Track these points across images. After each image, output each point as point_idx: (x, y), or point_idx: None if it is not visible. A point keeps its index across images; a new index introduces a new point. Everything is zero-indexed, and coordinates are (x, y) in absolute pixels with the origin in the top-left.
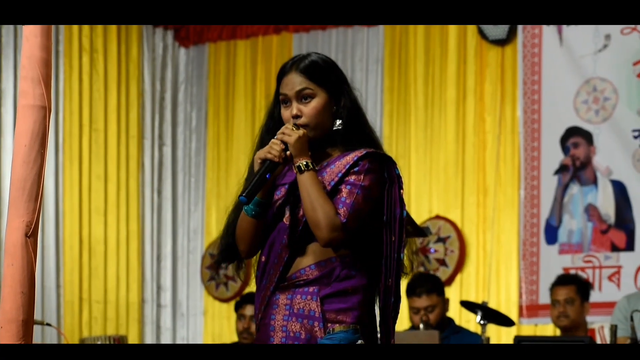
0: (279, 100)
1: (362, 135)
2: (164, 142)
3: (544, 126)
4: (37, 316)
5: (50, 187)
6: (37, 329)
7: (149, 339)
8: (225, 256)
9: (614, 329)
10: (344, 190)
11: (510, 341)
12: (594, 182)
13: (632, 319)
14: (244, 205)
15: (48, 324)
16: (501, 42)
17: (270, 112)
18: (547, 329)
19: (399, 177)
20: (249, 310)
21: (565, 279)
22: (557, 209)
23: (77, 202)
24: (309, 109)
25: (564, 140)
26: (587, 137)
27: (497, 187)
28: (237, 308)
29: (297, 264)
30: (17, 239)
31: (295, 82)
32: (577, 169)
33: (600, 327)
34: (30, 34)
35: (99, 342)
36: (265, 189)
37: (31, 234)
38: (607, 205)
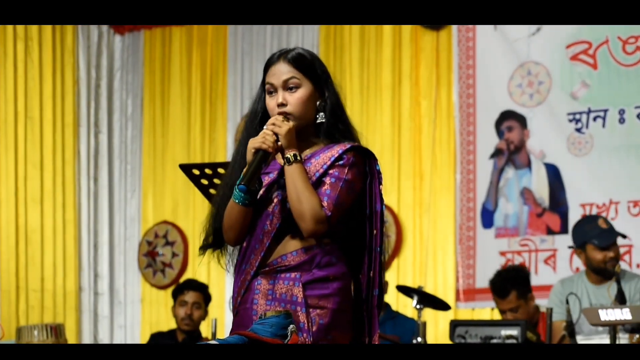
0: (263, 92)
1: (343, 130)
2: (99, 129)
3: (479, 110)
4: None
5: None
6: None
7: (87, 327)
8: (214, 242)
9: (549, 312)
10: (328, 182)
11: (447, 325)
12: (528, 165)
13: (567, 302)
14: (241, 193)
15: None
16: (436, 27)
17: (254, 103)
18: (483, 312)
19: (379, 173)
20: (190, 296)
21: (501, 290)
22: (493, 193)
23: (12, 190)
24: (295, 98)
25: (498, 124)
26: (521, 120)
27: (433, 172)
28: (177, 294)
29: (278, 250)
30: None
31: (283, 71)
32: (511, 152)
33: None
34: None
35: (35, 331)
36: (256, 178)
37: None
38: (541, 188)
